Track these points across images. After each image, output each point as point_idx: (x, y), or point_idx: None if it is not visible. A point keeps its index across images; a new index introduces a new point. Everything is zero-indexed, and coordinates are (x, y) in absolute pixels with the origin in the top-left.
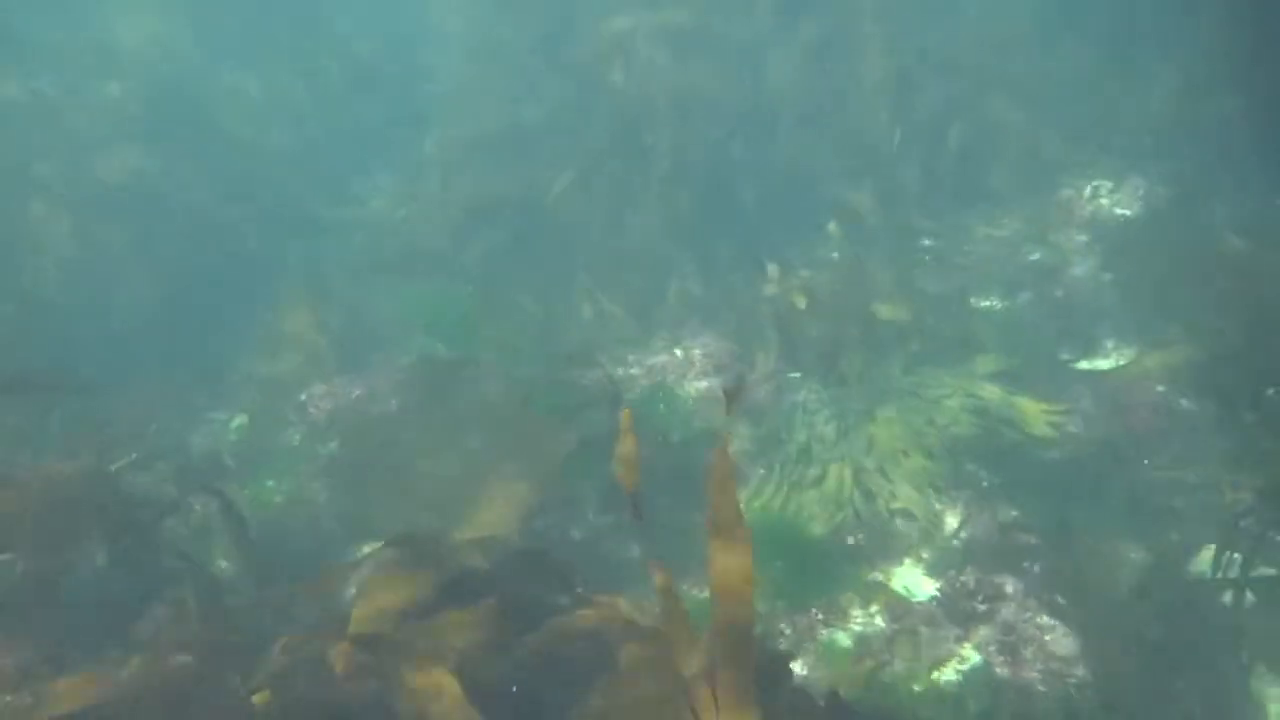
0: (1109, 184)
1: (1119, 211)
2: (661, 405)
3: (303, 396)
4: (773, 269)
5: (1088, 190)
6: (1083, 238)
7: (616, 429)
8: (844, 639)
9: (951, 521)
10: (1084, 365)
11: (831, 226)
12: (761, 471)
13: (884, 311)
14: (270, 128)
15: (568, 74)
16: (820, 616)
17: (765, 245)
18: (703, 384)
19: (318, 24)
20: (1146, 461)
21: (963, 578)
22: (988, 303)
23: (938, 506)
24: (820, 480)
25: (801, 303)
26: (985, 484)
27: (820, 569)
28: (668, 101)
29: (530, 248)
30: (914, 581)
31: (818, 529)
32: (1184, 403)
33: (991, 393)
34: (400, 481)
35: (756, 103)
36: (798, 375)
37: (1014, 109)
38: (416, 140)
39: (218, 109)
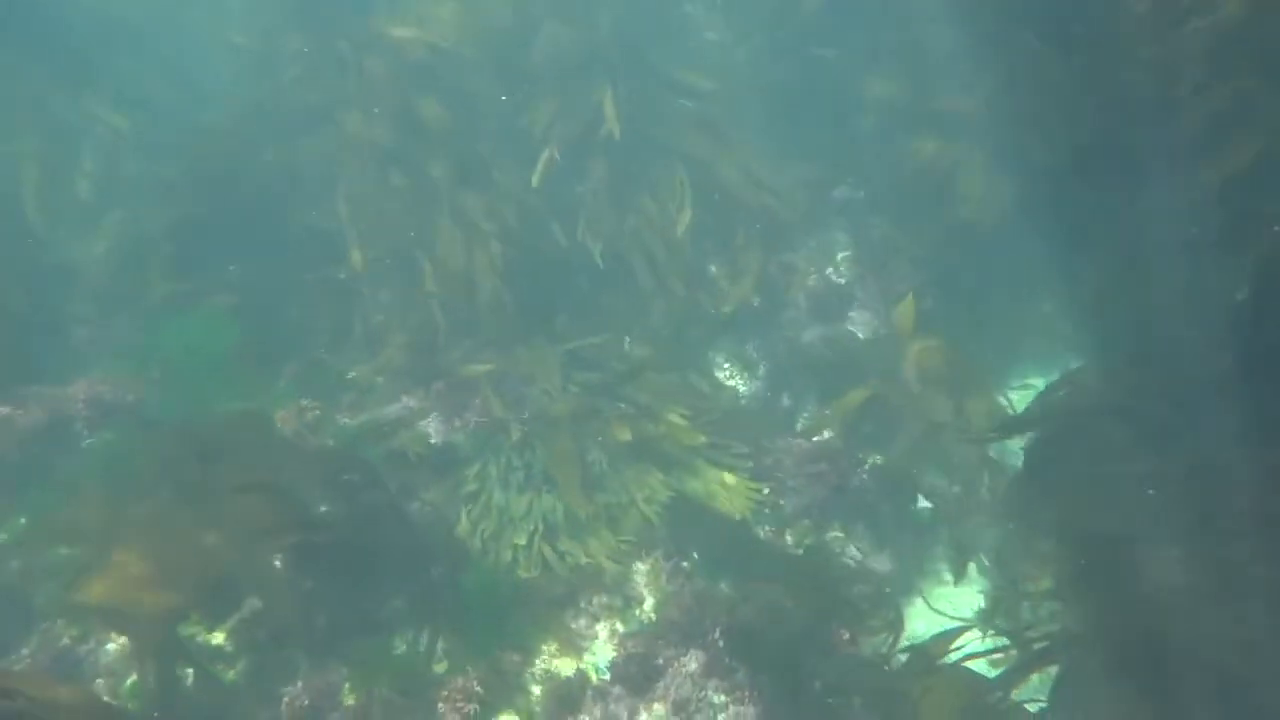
0: (841, 251)
1: (838, 280)
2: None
3: None
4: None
5: (812, 254)
6: (804, 300)
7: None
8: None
9: (646, 595)
10: (799, 423)
11: None
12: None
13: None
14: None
15: None
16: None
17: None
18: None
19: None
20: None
21: (645, 652)
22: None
23: (633, 579)
24: (511, 543)
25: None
26: (684, 561)
27: (509, 633)
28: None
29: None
30: (600, 654)
31: (515, 594)
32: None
33: (701, 467)
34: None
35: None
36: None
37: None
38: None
39: None
